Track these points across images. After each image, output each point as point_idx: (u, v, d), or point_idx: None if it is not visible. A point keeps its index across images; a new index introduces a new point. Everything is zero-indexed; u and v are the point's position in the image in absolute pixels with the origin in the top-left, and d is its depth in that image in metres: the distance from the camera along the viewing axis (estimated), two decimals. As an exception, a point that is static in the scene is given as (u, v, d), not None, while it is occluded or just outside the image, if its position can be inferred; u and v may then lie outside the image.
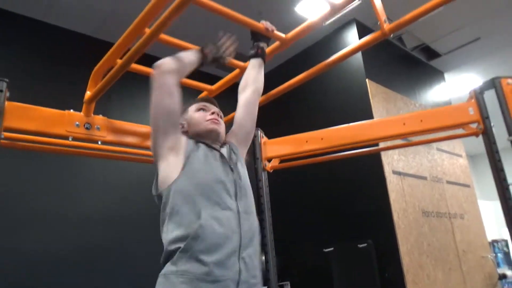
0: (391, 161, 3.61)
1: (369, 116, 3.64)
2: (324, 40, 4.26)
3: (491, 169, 1.88)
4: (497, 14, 4.15)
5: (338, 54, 1.64)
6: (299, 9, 3.77)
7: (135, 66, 1.61)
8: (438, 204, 3.97)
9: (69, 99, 3.28)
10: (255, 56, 1.52)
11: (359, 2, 1.86)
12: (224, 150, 1.33)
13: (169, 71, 1.18)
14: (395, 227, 3.31)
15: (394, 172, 3.58)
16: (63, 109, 1.70)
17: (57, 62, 3.58)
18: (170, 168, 1.17)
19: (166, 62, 1.20)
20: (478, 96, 1.92)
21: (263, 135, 2.35)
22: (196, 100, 1.44)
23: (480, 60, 5.13)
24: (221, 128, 1.37)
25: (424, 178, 3.95)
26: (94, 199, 3.36)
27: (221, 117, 1.42)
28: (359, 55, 3.86)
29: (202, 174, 1.18)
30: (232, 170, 1.26)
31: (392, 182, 3.50)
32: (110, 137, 1.71)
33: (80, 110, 1.68)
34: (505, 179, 1.82)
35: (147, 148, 1.91)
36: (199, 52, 1.30)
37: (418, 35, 4.50)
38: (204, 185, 1.15)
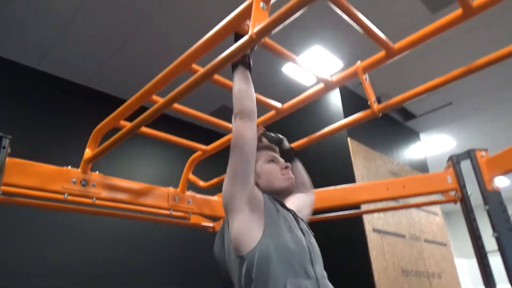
0: (372, 219, 3.70)
1: (350, 172, 3.78)
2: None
3: (469, 236, 1.98)
4: (467, 81, 4.47)
5: (328, 129, 1.76)
6: (286, 70, 3.99)
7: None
8: (416, 263, 4.03)
9: (63, 148, 3.31)
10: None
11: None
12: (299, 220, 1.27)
13: (251, 119, 1.14)
14: (376, 287, 3.33)
15: (375, 230, 3.66)
16: (55, 158, 1.73)
17: (51, 111, 3.62)
18: (249, 224, 1.09)
19: (249, 111, 1.14)
20: (455, 166, 2.07)
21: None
22: (258, 148, 1.28)
23: (452, 123, 5.46)
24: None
25: (403, 236, 4.04)
26: (79, 250, 3.27)
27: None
28: (341, 114, 4.08)
29: (286, 239, 1.11)
30: (303, 232, 1.20)
31: (373, 240, 3.57)
32: (105, 194, 1.74)
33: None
34: (483, 247, 1.92)
35: (139, 205, 1.93)
36: (246, 68, 1.21)
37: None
38: (289, 251, 1.09)
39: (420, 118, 5.25)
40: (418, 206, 2.76)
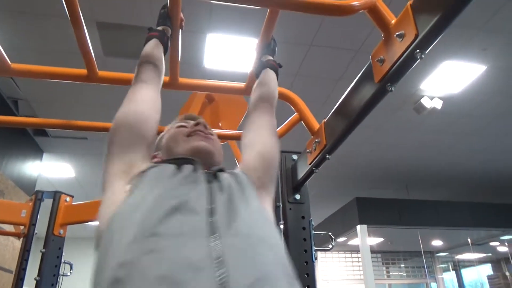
0: None
1: None
2: None
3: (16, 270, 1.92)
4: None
5: None
6: None
7: None
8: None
9: None
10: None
11: None
12: (224, 177, 0.82)
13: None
14: None
15: None
16: None
17: None
18: (113, 197, 0.76)
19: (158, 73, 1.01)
20: (36, 202, 2.02)
21: None
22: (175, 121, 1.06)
23: (80, 156, 5.57)
24: (215, 145, 0.95)
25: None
26: None
27: (211, 133, 0.97)
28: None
29: (144, 196, 0.72)
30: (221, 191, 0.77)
31: None
32: None
33: None
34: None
35: None
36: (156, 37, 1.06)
37: (34, 107, 4.42)
38: (142, 208, 0.68)
39: (53, 139, 5.06)
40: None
